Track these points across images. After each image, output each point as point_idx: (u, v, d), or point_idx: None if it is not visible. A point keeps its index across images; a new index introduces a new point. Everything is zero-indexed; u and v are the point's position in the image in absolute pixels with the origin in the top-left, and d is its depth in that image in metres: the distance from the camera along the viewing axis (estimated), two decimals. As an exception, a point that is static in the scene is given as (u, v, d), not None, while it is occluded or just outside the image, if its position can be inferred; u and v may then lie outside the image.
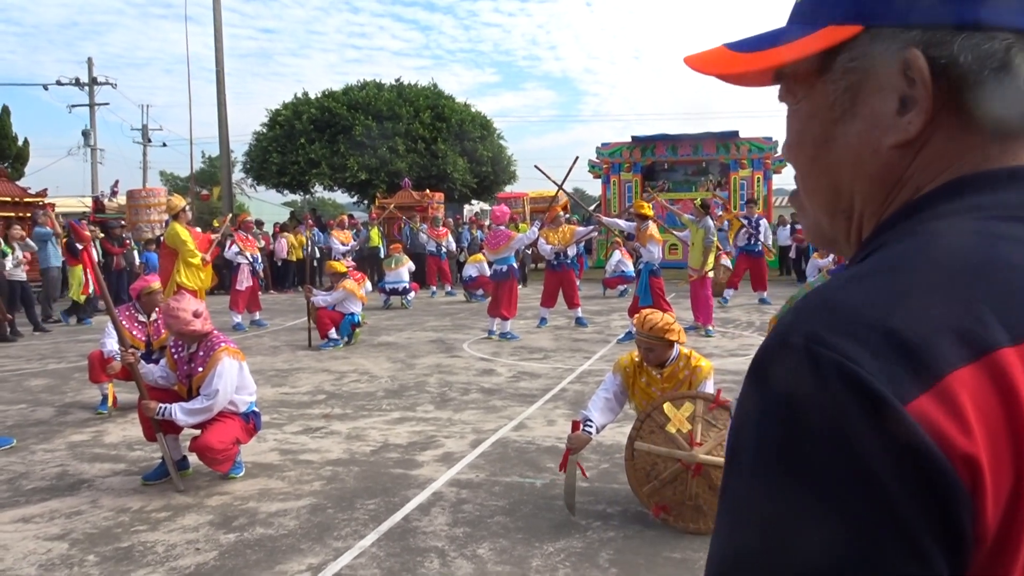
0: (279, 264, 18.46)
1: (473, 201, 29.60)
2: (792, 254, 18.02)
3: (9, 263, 11.33)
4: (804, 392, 0.49)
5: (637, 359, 4.23)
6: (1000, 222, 0.57)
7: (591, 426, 4.01)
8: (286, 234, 18.99)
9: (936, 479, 0.46)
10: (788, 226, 18.47)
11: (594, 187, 24.36)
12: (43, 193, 17.00)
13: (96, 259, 8.12)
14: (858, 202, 0.66)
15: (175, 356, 4.77)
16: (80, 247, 5.80)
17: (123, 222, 15.95)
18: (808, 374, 0.49)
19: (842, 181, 0.66)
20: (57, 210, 16.66)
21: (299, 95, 26.96)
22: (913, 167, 0.62)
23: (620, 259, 15.19)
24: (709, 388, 4.07)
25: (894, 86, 0.61)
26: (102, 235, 14.44)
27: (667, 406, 3.87)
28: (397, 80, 27.63)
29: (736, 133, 19.46)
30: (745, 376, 0.55)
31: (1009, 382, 0.49)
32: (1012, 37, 0.58)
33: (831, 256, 8.66)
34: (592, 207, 18.42)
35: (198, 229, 11.45)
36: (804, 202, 0.71)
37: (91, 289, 12.31)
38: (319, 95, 26.76)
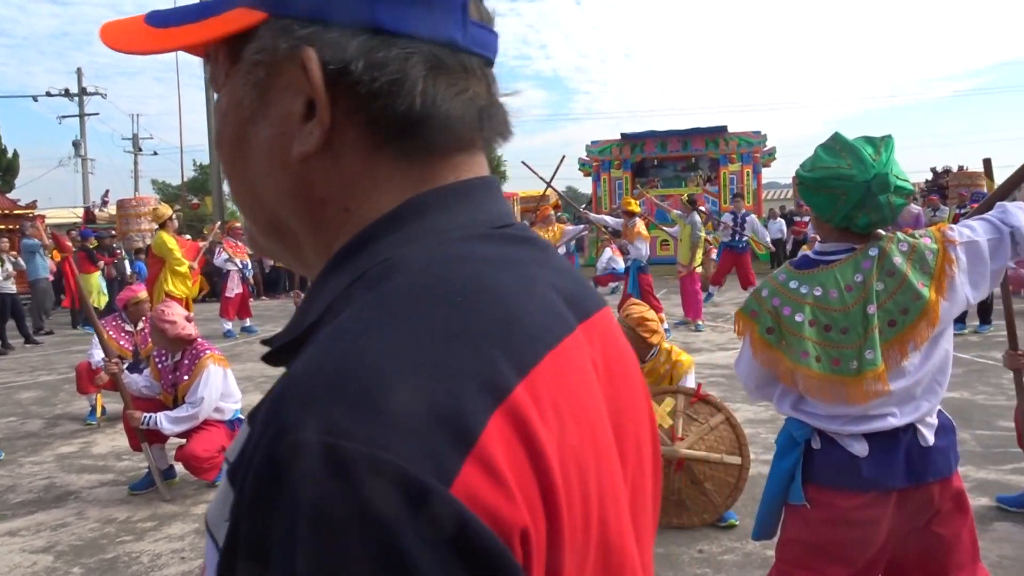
0: (268, 271, 18.43)
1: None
2: (789, 246, 18.04)
3: (0, 276, 11.31)
4: (335, 505, 0.39)
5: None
6: (467, 243, 0.52)
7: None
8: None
9: (497, 572, 0.40)
10: (778, 219, 18.52)
11: (585, 185, 24.40)
12: (33, 205, 16.97)
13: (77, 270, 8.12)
14: (287, 219, 0.57)
15: (159, 366, 4.77)
16: (63, 256, 5.80)
17: (113, 232, 15.94)
18: (335, 480, 0.39)
19: (263, 192, 0.57)
20: (48, 221, 16.64)
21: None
22: (331, 185, 0.54)
23: (611, 256, 15.20)
24: (690, 382, 4.08)
25: (299, 88, 0.52)
26: (95, 244, 14.43)
27: (648, 402, 3.88)
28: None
29: (724, 128, 19.48)
30: (235, 486, 0.44)
31: (529, 427, 0.44)
32: (414, 46, 0.51)
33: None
34: (583, 205, 18.44)
35: (187, 237, 11.45)
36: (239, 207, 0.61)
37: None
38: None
